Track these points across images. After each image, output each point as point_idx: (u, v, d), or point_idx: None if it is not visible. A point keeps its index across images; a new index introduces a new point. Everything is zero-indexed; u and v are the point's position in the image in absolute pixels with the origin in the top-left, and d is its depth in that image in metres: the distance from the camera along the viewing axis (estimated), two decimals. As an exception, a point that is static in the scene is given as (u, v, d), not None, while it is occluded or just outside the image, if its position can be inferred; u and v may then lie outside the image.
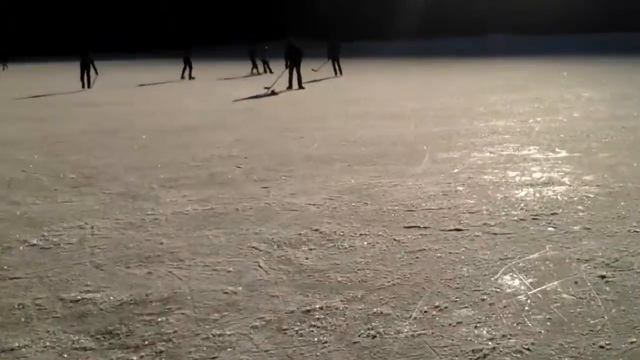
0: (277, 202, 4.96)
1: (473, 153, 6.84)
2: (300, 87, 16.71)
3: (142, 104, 14.13)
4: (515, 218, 4.28)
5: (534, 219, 4.24)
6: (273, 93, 15.12)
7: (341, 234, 4.08)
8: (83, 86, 18.82)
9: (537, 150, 6.96)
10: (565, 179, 5.46)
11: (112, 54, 45.24)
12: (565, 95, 12.83)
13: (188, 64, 23.17)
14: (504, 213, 4.42)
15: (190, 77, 22.93)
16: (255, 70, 24.91)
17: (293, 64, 16.97)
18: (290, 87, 16.69)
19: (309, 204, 4.85)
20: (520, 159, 6.49)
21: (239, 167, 6.48)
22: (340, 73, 21.73)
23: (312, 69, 20.68)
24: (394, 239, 3.92)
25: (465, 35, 55.92)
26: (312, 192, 5.25)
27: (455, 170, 5.94)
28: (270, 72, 24.07)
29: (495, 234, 3.96)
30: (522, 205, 4.62)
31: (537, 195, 4.93)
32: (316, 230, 4.17)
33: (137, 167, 6.70)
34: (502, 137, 7.91)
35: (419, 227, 4.17)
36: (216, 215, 4.62)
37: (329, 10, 60.25)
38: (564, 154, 6.70)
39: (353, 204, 4.80)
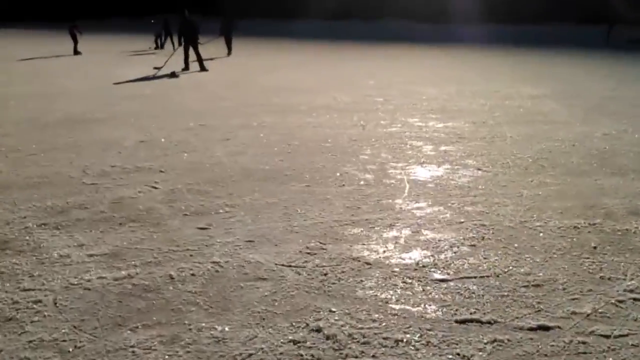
0: (230, 261, 3.27)
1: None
2: (203, 68, 14.60)
3: (18, 84, 11.43)
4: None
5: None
6: (173, 75, 12.96)
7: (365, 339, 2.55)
8: None
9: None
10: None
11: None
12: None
13: (74, 38, 20.37)
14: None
15: (76, 52, 20.01)
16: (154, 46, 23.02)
17: (189, 41, 14.85)
18: (186, 68, 14.61)
19: (283, 266, 3.23)
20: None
21: (155, 187, 4.67)
22: (230, 52, 20.62)
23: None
24: None
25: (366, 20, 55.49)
26: (278, 238, 3.61)
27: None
28: (161, 47, 22.99)
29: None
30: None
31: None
32: (317, 331, 2.61)
33: (1, 185, 4.67)
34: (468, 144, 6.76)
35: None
36: (139, 296, 2.85)
37: None
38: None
39: (352, 263, 3.29)
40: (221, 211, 4.11)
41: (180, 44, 15.05)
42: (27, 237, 3.60)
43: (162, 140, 6.44)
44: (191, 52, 14.67)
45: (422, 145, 6.35)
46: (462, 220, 3.96)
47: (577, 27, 35.31)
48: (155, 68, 13.83)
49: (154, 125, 7.28)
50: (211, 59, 17.33)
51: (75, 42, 20.24)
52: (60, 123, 7.30)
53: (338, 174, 5.12)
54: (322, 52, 24.13)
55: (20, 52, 20.30)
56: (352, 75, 14.08)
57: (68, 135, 6.56)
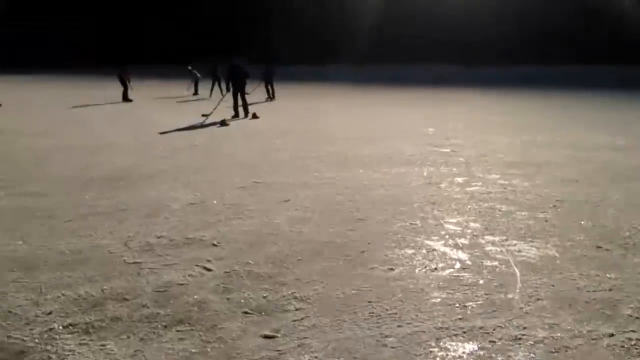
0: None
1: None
2: (253, 115, 13.99)
3: (62, 135, 11.09)
4: None
5: None
6: (223, 123, 12.40)
7: None
8: None
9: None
10: None
11: (32, 68, 41.48)
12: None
13: (123, 84, 20.17)
14: None
15: (126, 99, 19.78)
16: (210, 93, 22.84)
17: (238, 87, 14.31)
18: (236, 115, 14.09)
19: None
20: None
21: (208, 269, 3.89)
22: (273, 97, 20.67)
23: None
24: None
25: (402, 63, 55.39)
26: (370, 357, 2.75)
27: None
28: (196, 92, 23.34)
29: None
30: None
31: None
32: None
33: (25, 262, 3.96)
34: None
35: None
36: None
37: (264, 33, 58.49)
38: None
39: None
40: (290, 308, 3.26)
41: (228, 90, 14.58)
42: (49, 347, 2.82)
43: (214, 202, 5.70)
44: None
45: (514, 210, 5.39)
46: (612, 332, 2.98)
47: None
48: (204, 115, 13.38)
49: (205, 182, 6.58)
50: (256, 103, 16.91)
51: (125, 87, 20.05)
52: (103, 181, 6.69)
53: (424, 252, 4.22)
54: (364, 95, 23.58)
55: (66, 98, 20.47)
56: (407, 122, 13.30)
57: (111, 196, 5.90)
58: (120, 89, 20.04)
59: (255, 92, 18.70)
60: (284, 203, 5.66)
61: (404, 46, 57.42)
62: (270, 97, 20.45)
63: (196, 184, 6.50)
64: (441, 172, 7.25)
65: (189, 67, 24.78)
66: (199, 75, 23.79)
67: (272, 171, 7.30)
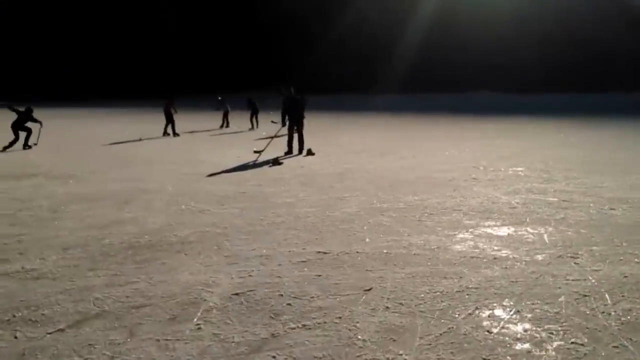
0: None
1: None
2: (309, 152, 12.43)
3: (85, 180, 9.74)
4: None
5: None
6: (276, 162, 10.85)
7: None
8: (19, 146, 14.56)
9: None
10: None
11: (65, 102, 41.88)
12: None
13: (169, 118, 19.03)
14: None
15: (174, 134, 18.82)
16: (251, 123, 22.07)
17: (295, 121, 12.79)
18: (289, 152, 12.56)
19: None
20: None
21: None
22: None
23: (272, 121, 19.41)
24: None
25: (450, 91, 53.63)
26: None
27: None
28: (227, 125, 22.33)
29: None
30: None
31: None
32: None
33: None
34: None
35: None
36: None
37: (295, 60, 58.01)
38: None
39: None
40: None
41: (284, 124, 12.89)
42: None
43: (266, 290, 4.06)
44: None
45: None
46: None
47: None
48: (256, 152, 11.95)
49: (256, 256, 4.90)
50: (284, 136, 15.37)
51: (169, 121, 18.90)
52: (123, 250, 5.12)
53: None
54: (418, 126, 21.86)
55: (105, 133, 19.56)
56: (481, 157, 11.44)
57: (126, 281, 4.29)
58: (162, 122, 19.10)
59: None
60: (365, 295, 3.95)
61: (455, 74, 55.62)
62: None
63: (244, 258, 4.85)
64: (569, 238, 5.38)
65: (219, 98, 23.84)
66: (229, 107, 22.67)
67: (340, 234, 5.59)
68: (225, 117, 22.31)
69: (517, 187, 8.07)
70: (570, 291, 3.95)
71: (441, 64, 54.33)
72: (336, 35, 57.28)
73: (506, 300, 3.80)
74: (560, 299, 3.80)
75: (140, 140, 16.88)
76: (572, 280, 4.18)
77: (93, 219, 6.40)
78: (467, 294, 3.91)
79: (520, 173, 9.40)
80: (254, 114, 21.64)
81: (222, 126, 22.01)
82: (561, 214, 6.31)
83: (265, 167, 10.51)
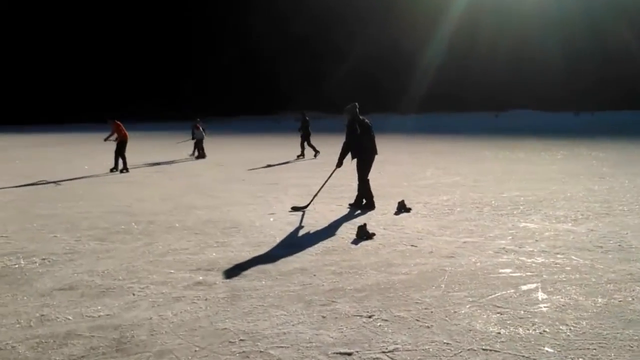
0: None
1: None
2: (402, 207, 8.40)
3: (89, 231, 7.76)
4: None
5: None
6: (365, 234, 6.59)
7: None
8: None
9: None
10: None
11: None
12: None
13: (196, 141, 19.10)
14: None
15: (198, 154, 19.07)
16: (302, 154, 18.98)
17: (372, 159, 8.75)
18: (369, 205, 8.66)
19: None
20: None
21: None
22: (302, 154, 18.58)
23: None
24: None
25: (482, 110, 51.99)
26: None
27: None
28: (202, 156, 19.65)
29: None
30: None
31: None
32: None
33: None
34: None
35: None
36: None
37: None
38: None
39: None
40: None
41: (341, 164, 8.76)
42: None
43: None
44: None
45: None
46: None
47: None
48: (296, 209, 8.59)
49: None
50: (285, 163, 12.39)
51: (197, 146, 18.87)
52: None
53: None
54: (452, 149, 19.56)
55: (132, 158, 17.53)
56: (569, 186, 10.23)
57: None
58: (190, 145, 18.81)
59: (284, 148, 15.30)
60: None
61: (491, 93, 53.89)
62: (301, 153, 18.64)
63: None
64: None
65: (198, 120, 20.83)
66: (204, 133, 20.32)
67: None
68: (198, 144, 20.01)
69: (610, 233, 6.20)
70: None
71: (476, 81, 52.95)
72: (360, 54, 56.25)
73: None
74: None
75: (157, 172, 15.02)
76: None
77: (81, 311, 4.77)
78: None
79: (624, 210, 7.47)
80: (306, 137, 18.58)
81: (194, 154, 19.98)
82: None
83: (344, 244, 6.41)
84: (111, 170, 15.01)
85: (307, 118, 18.95)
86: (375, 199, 8.85)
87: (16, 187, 12.38)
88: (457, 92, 52.95)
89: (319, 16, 57.87)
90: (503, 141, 24.59)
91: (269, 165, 16.42)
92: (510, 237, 6.64)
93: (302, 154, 18.63)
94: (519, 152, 19.11)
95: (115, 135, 15.00)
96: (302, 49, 58.79)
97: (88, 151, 23.16)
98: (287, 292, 4.78)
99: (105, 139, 15.43)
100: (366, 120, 8.71)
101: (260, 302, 4.57)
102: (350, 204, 8.91)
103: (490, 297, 4.59)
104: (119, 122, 15.09)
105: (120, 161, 14.99)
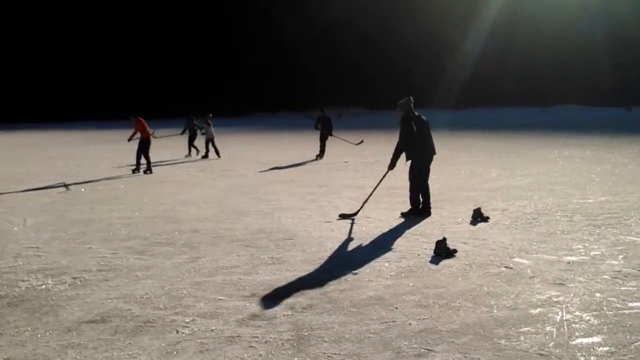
0: None
1: None
2: (478, 214, 7.32)
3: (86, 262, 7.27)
4: None
5: None
6: (445, 250, 5.55)
7: None
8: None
9: None
10: None
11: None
12: None
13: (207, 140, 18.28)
14: None
15: (205, 154, 18.33)
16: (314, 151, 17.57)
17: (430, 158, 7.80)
18: (424, 211, 7.67)
19: None
20: None
21: None
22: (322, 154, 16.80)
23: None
24: None
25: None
26: None
27: None
28: (207, 154, 18.48)
29: None
30: None
31: None
32: None
33: None
34: None
35: None
36: None
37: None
38: None
39: None
40: None
41: (394, 166, 7.76)
42: None
43: None
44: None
45: None
46: None
47: None
48: (344, 217, 7.70)
49: None
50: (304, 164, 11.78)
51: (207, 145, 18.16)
52: None
53: None
54: (507, 146, 17.91)
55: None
56: None
57: None
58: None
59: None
60: None
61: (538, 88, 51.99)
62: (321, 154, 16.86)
63: None
64: None
65: (210, 115, 18.92)
66: (201, 130, 18.86)
67: None
68: (191, 140, 19.04)
69: None
70: None
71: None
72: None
73: None
74: None
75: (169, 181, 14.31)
76: None
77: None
78: None
79: None
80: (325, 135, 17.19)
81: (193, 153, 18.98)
82: None
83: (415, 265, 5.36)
84: (133, 172, 14.13)
85: (328, 115, 17.54)
86: (443, 204, 8.05)
87: (54, 187, 11.82)
88: (496, 86, 50.86)
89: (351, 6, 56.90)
90: (560, 138, 22.98)
91: (312, 164, 15.56)
92: (622, 257, 5.50)
93: (321, 154, 16.88)
94: (583, 150, 17.59)
95: (138, 134, 14.15)
96: (331, 41, 57.83)
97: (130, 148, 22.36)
98: (366, 334, 3.80)
99: (129, 139, 14.65)
100: (422, 117, 7.73)
101: (335, 347, 3.60)
102: (403, 213, 7.81)
103: (635, 345, 3.49)
104: (142, 120, 14.22)
105: (144, 161, 14.15)
